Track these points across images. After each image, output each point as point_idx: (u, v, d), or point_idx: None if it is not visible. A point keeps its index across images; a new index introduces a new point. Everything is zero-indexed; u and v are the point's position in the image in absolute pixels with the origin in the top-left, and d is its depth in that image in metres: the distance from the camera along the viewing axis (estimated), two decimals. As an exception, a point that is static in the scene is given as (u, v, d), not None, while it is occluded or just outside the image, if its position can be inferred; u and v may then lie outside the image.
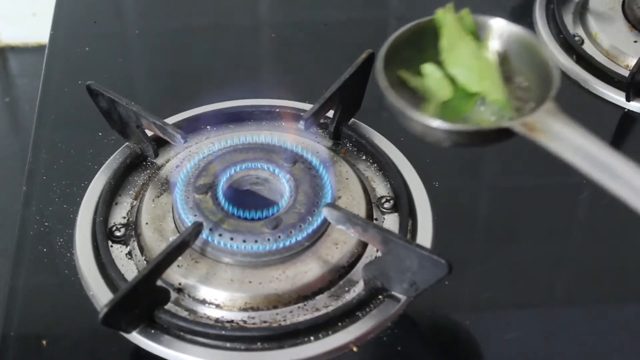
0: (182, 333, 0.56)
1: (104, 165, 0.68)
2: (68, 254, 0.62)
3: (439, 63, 0.54)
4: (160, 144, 0.69)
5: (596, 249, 0.65)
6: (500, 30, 0.54)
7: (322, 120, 0.70)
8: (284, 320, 0.58)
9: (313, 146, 0.68)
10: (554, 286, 0.63)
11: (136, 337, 0.56)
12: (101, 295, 0.58)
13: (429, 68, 0.54)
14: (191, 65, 0.82)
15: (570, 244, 0.67)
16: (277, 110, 0.72)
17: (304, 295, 0.59)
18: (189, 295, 0.59)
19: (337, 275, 0.60)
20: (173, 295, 0.58)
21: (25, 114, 1.21)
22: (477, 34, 0.55)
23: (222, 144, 0.66)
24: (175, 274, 0.59)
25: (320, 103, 0.66)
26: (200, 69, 0.81)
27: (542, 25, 0.83)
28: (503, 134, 0.50)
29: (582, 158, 0.47)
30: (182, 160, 0.67)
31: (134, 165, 0.68)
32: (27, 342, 0.58)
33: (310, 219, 0.60)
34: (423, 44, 0.54)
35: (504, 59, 0.54)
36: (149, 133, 0.67)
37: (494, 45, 0.55)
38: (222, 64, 0.82)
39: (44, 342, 0.57)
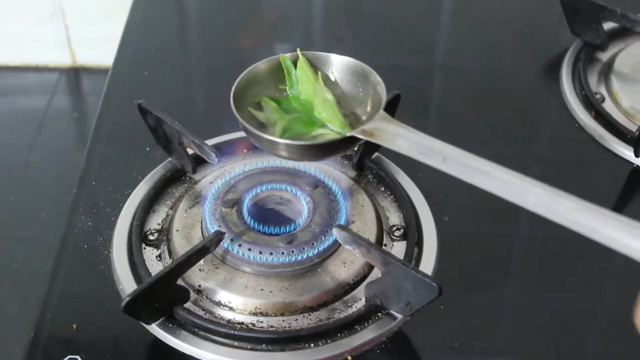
0: (196, 329, 0.62)
1: (147, 177, 0.75)
2: (105, 252, 0.69)
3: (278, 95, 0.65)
4: (199, 162, 0.75)
5: (590, 299, 0.68)
6: (339, 63, 0.65)
7: (348, 152, 0.76)
8: (289, 326, 0.63)
9: (336, 174, 0.74)
10: (537, 333, 0.65)
11: (155, 329, 0.62)
12: (129, 289, 0.64)
13: (264, 101, 0.65)
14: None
15: (567, 294, 0.68)
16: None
17: (310, 306, 0.64)
18: (207, 297, 0.65)
19: (342, 292, 0.65)
20: (193, 295, 0.65)
21: (90, 129, 1.28)
22: (319, 68, 0.65)
23: (252, 166, 0.73)
24: (196, 277, 0.65)
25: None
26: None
27: (566, 81, 0.86)
28: (346, 144, 0.60)
29: (417, 150, 0.55)
30: (216, 177, 0.73)
31: (173, 178, 0.75)
32: (60, 324, 0.64)
33: (322, 238, 0.66)
34: (265, 80, 0.65)
35: (343, 84, 0.65)
36: (190, 151, 0.74)
37: (336, 74, 0.65)
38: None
39: (75, 326, 0.63)
